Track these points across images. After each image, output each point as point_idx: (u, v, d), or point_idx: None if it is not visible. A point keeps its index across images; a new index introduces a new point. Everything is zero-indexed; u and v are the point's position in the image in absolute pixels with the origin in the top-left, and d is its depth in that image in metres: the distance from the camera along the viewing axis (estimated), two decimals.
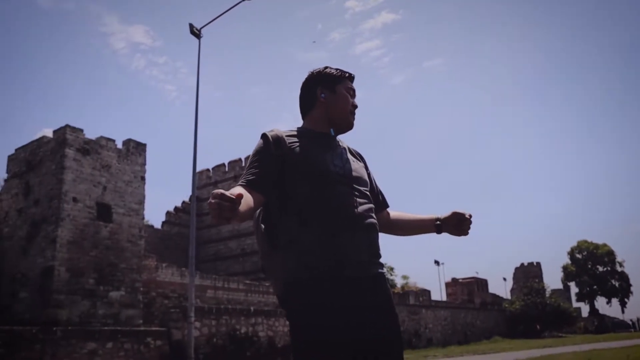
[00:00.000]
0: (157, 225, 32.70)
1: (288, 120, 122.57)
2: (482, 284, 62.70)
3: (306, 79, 2.65)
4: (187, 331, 12.59)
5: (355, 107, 2.59)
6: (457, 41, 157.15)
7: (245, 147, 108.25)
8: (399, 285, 38.96)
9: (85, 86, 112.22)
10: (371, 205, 2.41)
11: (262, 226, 2.40)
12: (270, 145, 2.36)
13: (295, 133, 2.48)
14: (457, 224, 2.56)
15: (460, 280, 60.12)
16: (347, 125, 2.57)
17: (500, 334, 35.00)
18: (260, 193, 2.25)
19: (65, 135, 19.09)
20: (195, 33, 15.10)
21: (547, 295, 50.71)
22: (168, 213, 33.84)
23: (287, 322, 2.40)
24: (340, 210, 2.29)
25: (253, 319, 15.26)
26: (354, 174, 2.42)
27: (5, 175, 21.03)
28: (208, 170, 36.18)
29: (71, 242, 18.33)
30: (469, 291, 58.12)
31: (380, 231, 2.51)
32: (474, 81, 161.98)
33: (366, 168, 2.61)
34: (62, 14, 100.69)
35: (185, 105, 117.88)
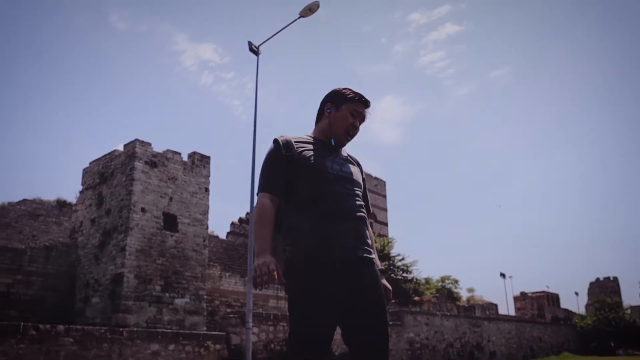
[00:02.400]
0: (222, 235, 33.58)
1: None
2: (553, 298, 60.57)
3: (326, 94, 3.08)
4: (245, 336, 13.05)
5: (355, 127, 2.98)
6: (523, 49, 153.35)
7: None
8: (464, 298, 38.30)
9: (156, 102, 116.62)
10: (361, 203, 2.85)
11: None
12: (281, 149, 2.84)
13: (303, 139, 2.94)
14: None
15: (530, 295, 58.26)
16: (340, 142, 2.98)
17: (571, 350, 33.66)
18: (278, 196, 2.78)
19: (134, 149, 20.12)
20: (254, 50, 15.64)
21: (625, 311, 48.49)
22: (232, 224, 34.73)
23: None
24: (332, 205, 2.72)
25: None
26: (349, 176, 2.85)
27: (80, 187, 22.29)
28: None
29: (139, 250, 19.24)
30: (539, 306, 56.24)
31: None
32: (542, 88, 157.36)
33: (361, 173, 3.02)
34: (136, 35, 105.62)
35: (251, 119, 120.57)
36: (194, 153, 22.34)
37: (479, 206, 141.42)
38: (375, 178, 36.29)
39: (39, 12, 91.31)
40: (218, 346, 13.66)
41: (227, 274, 25.15)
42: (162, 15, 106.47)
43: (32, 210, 24.75)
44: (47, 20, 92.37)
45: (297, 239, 2.75)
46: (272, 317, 14.77)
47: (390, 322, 18.60)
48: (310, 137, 2.98)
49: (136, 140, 20.41)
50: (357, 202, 2.81)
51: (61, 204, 25.85)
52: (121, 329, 12.13)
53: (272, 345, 14.38)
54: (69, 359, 10.84)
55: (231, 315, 14.64)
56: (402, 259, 31.41)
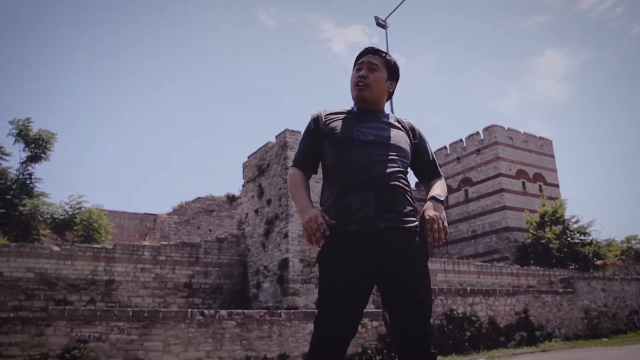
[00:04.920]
0: None
1: (513, 92, 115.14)
2: None
3: None
4: None
5: (360, 76, 2.83)
6: None
7: (466, 127, 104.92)
8: None
9: (310, 90, 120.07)
10: (395, 168, 2.64)
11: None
12: (311, 123, 2.87)
13: (336, 111, 2.89)
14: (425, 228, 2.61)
15: None
16: (355, 99, 2.89)
17: None
18: (309, 170, 2.85)
19: (285, 139, 20.96)
20: (381, 24, 15.47)
21: None
22: None
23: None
24: (354, 173, 2.60)
25: (470, 299, 15.05)
26: (384, 141, 2.70)
27: (242, 181, 23.78)
28: None
29: (301, 235, 20.04)
30: None
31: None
32: None
33: (413, 138, 2.86)
34: (285, 29, 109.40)
35: (407, 94, 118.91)
36: None
37: None
38: (540, 138, 33.81)
39: (190, 20, 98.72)
40: (375, 323, 13.81)
41: None
42: (308, 6, 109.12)
43: (206, 207, 27.02)
44: (198, 26, 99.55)
45: (324, 212, 2.69)
46: None
47: (560, 290, 17.35)
48: (345, 109, 2.92)
49: (286, 130, 21.23)
50: (388, 169, 2.61)
51: (230, 199, 27.86)
52: (279, 311, 12.76)
53: (431, 320, 14.17)
54: (233, 340, 11.66)
55: None
56: (577, 221, 29.22)
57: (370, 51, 2.88)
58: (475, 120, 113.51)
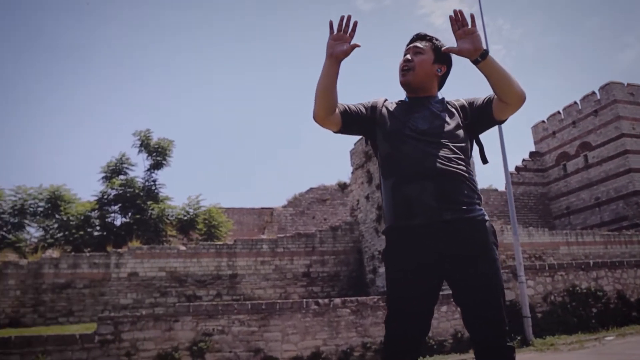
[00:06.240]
0: (501, 188, 32.75)
1: (632, 44, 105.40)
2: None
3: None
4: (519, 291, 12.74)
5: (405, 61, 2.75)
6: None
7: (580, 88, 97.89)
8: None
9: None
10: (453, 155, 2.52)
11: None
12: (368, 106, 2.77)
13: (393, 102, 2.81)
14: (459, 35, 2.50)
15: None
16: (401, 84, 2.78)
17: None
18: (340, 115, 2.66)
19: None
20: None
21: None
22: (510, 174, 33.63)
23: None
24: (409, 164, 2.52)
25: (594, 273, 14.30)
26: (440, 129, 2.59)
27: (351, 168, 24.06)
28: (543, 121, 34.42)
29: None
30: None
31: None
32: None
33: (464, 118, 2.68)
34: (382, 10, 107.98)
35: (514, 59, 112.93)
36: None
37: None
38: None
39: (290, 12, 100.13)
40: None
41: (509, 227, 24.49)
42: None
43: (319, 196, 27.66)
44: (298, 18, 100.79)
45: (384, 207, 2.68)
46: (547, 268, 14.02)
47: None
48: (401, 99, 2.83)
49: None
50: (448, 156, 2.50)
51: (342, 186, 28.28)
52: None
53: (552, 297, 13.69)
54: (349, 327, 12.00)
55: (502, 271, 14.35)
56: None
57: (417, 37, 2.81)
58: (590, 79, 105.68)
